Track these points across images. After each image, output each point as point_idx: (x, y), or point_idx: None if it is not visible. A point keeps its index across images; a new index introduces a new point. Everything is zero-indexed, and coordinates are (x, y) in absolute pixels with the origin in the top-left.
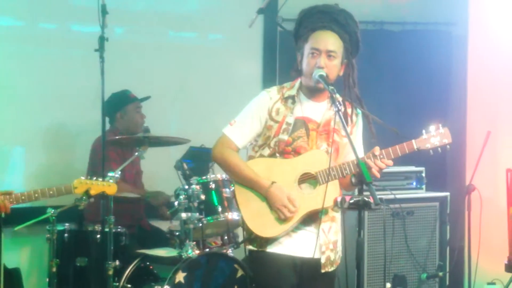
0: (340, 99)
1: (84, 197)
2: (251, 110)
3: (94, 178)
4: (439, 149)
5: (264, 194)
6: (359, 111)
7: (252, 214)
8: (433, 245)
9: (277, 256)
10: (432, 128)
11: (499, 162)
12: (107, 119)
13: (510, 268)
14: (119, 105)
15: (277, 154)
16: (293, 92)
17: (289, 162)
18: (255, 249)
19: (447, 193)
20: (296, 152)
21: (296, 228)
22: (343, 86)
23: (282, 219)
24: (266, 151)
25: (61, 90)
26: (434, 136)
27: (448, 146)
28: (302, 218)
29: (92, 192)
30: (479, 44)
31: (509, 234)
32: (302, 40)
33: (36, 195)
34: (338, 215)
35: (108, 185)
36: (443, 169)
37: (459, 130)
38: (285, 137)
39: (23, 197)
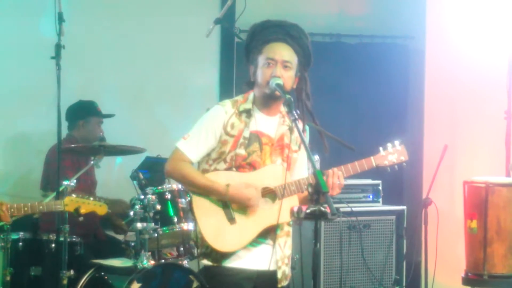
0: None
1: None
2: (206, 125)
3: (86, 197)
4: (396, 166)
5: (224, 199)
6: (307, 126)
7: (211, 228)
8: (390, 258)
9: (236, 271)
10: (389, 145)
11: (456, 176)
12: (63, 127)
13: (467, 281)
14: (84, 114)
15: (234, 168)
16: (248, 105)
17: (248, 176)
18: (211, 264)
19: (404, 207)
20: (252, 166)
21: (255, 242)
22: (296, 99)
23: (242, 228)
24: (222, 165)
25: (18, 97)
26: (391, 154)
27: (404, 164)
28: (260, 232)
29: (82, 211)
30: (436, 58)
31: (465, 247)
32: (256, 52)
33: (26, 208)
34: (292, 229)
35: (99, 205)
36: (400, 182)
37: (416, 144)
38: (242, 151)
39: (12, 209)
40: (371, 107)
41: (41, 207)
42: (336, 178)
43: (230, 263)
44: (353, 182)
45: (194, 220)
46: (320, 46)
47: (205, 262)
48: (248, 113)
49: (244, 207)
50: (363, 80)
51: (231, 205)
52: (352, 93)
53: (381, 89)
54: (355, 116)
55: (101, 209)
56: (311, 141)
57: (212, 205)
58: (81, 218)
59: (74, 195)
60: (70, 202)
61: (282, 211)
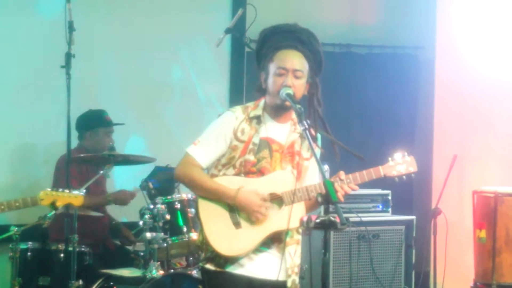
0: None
1: (48, 215)
2: (216, 130)
3: (60, 189)
4: (404, 177)
5: (232, 202)
6: (318, 135)
7: (215, 231)
8: (399, 268)
9: (236, 277)
10: (398, 155)
11: (465, 186)
12: (73, 136)
13: None
14: (91, 124)
15: (242, 174)
16: (258, 112)
17: (255, 181)
18: (213, 268)
19: (413, 217)
20: (261, 173)
21: (257, 251)
22: (308, 105)
23: (248, 233)
24: (231, 171)
25: (28, 107)
26: (400, 164)
27: (413, 175)
28: (266, 238)
29: (58, 203)
30: (446, 68)
31: (475, 256)
32: (267, 60)
33: (2, 207)
34: (301, 238)
35: (74, 196)
36: (409, 192)
37: (426, 154)
38: (251, 157)
39: None
40: (381, 116)
41: (17, 204)
42: (347, 186)
43: (233, 270)
44: (363, 192)
45: (200, 224)
46: (330, 56)
47: (208, 266)
48: (259, 119)
49: (250, 213)
50: (373, 90)
51: (237, 209)
52: (362, 103)
53: (391, 99)
54: (364, 125)
55: (77, 200)
56: (322, 148)
57: (218, 209)
58: (58, 211)
59: (48, 189)
60: (45, 196)
61: (286, 217)
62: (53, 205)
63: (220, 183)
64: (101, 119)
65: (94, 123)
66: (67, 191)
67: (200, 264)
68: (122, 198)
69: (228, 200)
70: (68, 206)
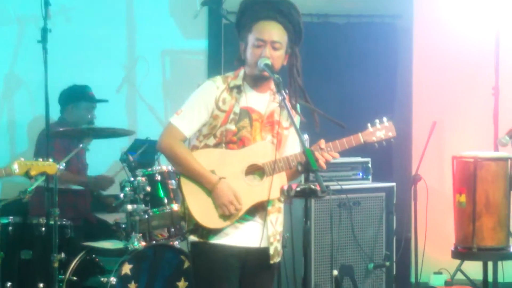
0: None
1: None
2: (198, 99)
3: (34, 158)
4: (384, 142)
5: (210, 189)
6: (298, 104)
7: (198, 204)
8: (380, 235)
9: (222, 247)
10: (377, 121)
11: (445, 152)
12: (56, 110)
13: (457, 255)
14: (74, 98)
15: (223, 144)
16: (238, 81)
17: (236, 153)
18: (197, 239)
19: (393, 184)
20: (241, 141)
21: (242, 219)
22: (288, 75)
23: (226, 215)
24: (212, 141)
25: (5, 83)
26: (379, 130)
27: (392, 140)
28: (249, 209)
29: (33, 172)
30: (424, 36)
31: (455, 220)
32: (246, 30)
33: None
34: (283, 206)
35: (48, 164)
36: (389, 159)
37: (405, 121)
38: (232, 126)
39: None
40: (360, 86)
41: None
42: (327, 154)
43: (217, 240)
44: (343, 160)
45: (182, 196)
46: (308, 26)
47: (192, 238)
48: (239, 89)
49: (219, 204)
50: (352, 60)
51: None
52: (340, 72)
53: (370, 68)
54: (343, 95)
55: (51, 168)
56: (304, 117)
57: (200, 185)
58: (32, 180)
59: (22, 158)
60: (19, 165)
61: (272, 187)
62: (27, 174)
63: (203, 167)
64: (84, 93)
65: (76, 96)
66: (40, 159)
67: (186, 235)
68: (101, 184)
69: (207, 185)
70: (48, 179)
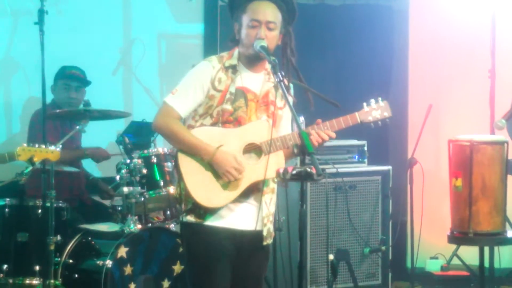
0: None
1: (25, 171)
2: (193, 79)
3: (37, 145)
4: (379, 122)
5: (209, 160)
6: (291, 84)
7: (196, 183)
8: (376, 219)
9: (216, 229)
10: (372, 101)
11: (441, 135)
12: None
13: (453, 239)
14: (55, 78)
15: (220, 124)
16: (233, 61)
17: (233, 131)
18: (193, 220)
19: (389, 167)
20: (238, 122)
21: (237, 201)
22: (281, 55)
23: (228, 185)
24: (208, 121)
25: (2, 65)
26: (375, 109)
27: (387, 120)
28: (246, 188)
29: (36, 159)
30: (420, 18)
31: (451, 205)
32: (240, 10)
33: None
34: (276, 187)
35: (51, 151)
36: (385, 142)
37: (401, 104)
38: (228, 106)
39: None
40: (356, 68)
41: None
42: (323, 133)
43: (213, 222)
44: (339, 143)
45: (179, 175)
46: (303, 8)
47: (189, 218)
48: (234, 69)
49: (223, 172)
50: (347, 42)
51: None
52: (336, 54)
53: (365, 50)
54: (339, 77)
55: (54, 155)
56: (296, 98)
57: (198, 161)
58: (35, 166)
59: (25, 144)
60: (22, 152)
61: (269, 166)
62: (30, 161)
63: (199, 138)
64: (62, 72)
65: (55, 76)
66: (43, 146)
67: (181, 217)
68: (98, 155)
69: (206, 156)
70: (44, 161)
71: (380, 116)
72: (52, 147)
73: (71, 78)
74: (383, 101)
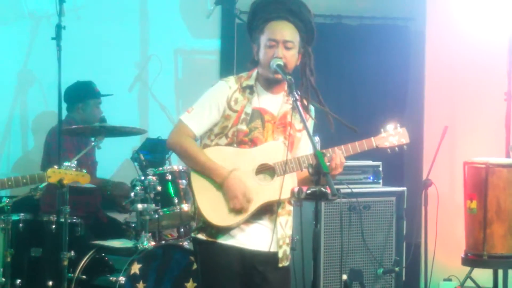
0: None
1: (40, 186)
2: (210, 99)
3: (68, 167)
4: (396, 148)
5: (220, 183)
6: (311, 107)
7: (207, 202)
8: (390, 240)
9: (227, 248)
10: (390, 127)
11: (456, 157)
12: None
13: (467, 262)
14: (82, 96)
15: (235, 144)
16: (251, 82)
17: (247, 152)
18: (204, 238)
19: (404, 188)
20: (253, 143)
21: (248, 222)
22: (300, 75)
23: (236, 210)
24: (223, 141)
25: (17, 78)
26: (392, 135)
27: (405, 146)
28: (258, 209)
29: (66, 181)
30: (436, 39)
31: (465, 227)
32: (258, 32)
33: (10, 183)
34: (293, 209)
35: (81, 175)
36: (400, 163)
37: (417, 125)
38: (243, 127)
39: None
40: (372, 88)
41: (24, 180)
42: (339, 158)
43: (224, 241)
44: (354, 163)
45: (192, 194)
46: (321, 27)
47: (200, 236)
48: (251, 89)
49: (231, 197)
50: (364, 62)
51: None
52: (353, 74)
53: (382, 70)
54: (355, 97)
55: (84, 179)
56: (316, 118)
57: (210, 180)
58: (64, 189)
59: (56, 167)
60: (52, 174)
61: (279, 188)
62: (60, 183)
63: (212, 160)
64: (91, 90)
65: (84, 94)
66: (74, 169)
67: (192, 234)
68: (120, 191)
69: (218, 179)
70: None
71: (397, 142)
72: (84, 171)
73: (100, 96)
74: (402, 127)
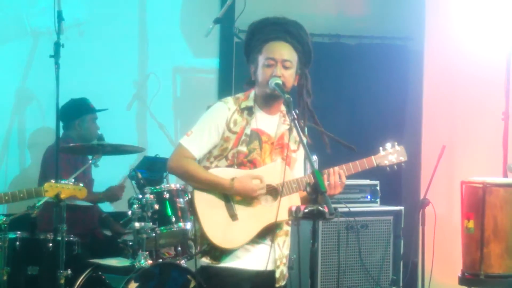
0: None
1: (37, 204)
2: (209, 121)
3: (65, 181)
4: (395, 166)
5: (230, 191)
6: (305, 127)
7: (212, 224)
8: (387, 259)
9: (234, 271)
10: (388, 145)
11: (454, 176)
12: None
13: (464, 281)
14: (78, 113)
15: (235, 166)
16: (250, 103)
17: (249, 173)
18: (210, 262)
19: (402, 207)
20: (252, 164)
21: (253, 242)
22: (297, 96)
23: (244, 225)
24: (223, 163)
25: (15, 96)
26: (391, 154)
27: (403, 164)
28: (262, 230)
29: (63, 196)
30: (435, 59)
31: (462, 246)
32: (256, 52)
33: (7, 197)
34: (290, 229)
35: (78, 189)
36: (398, 183)
37: (414, 144)
38: (243, 148)
39: None
40: (370, 107)
41: (21, 194)
42: (338, 176)
43: (229, 263)
44: (351, 182)
45: (195, 216)
46: (319, 46)
47: (204, 260)
48: (250, 110)
49: (248, 199)
50: (362, 81)
51: (233, 200)
52: (351, 93)
53: (380, 90)
54: (353, 116)
55: (81, 193)
56: (312, 139)
57: (214, 200)
58: (62, 203)
59: (53, 181)
60: (50, 188)
61: (281, 209)
62: (57, 197)
63: (214, 174)
64: (86, 106)
65: (80, 111)
66: (71, 183)
67: (197, 257)
68: (111, 195)
69: (225, 190)
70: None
71: (396, 160)
72: (80, 185)
73: (96, 111)
74: (400, 146)
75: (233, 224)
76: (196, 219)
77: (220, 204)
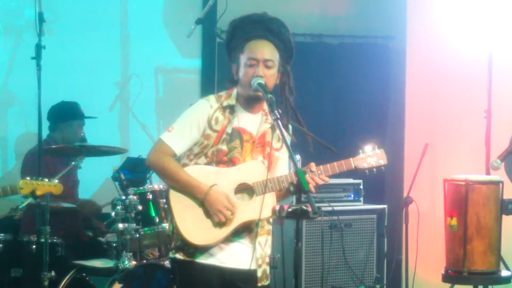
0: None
1: (20, 206)
2: (190, 117)
3: (40, 178)
4: (374, 169)
5: (202, 199)
6: (290, 126)
7: (186, 220)
8: (371, 257)
9: (206, 267)
10: (368, 148)
11: (436, 174)
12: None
13: (447, 278)
14: (66, 117)
15: (214, 164)
16: (232, 101)
17: (226, 171)
18: (182, 258)
19: (385, 206)
20: (232, 162)
21: (228, 240)
22: (279, 94)
23: (219, 224)
24: (203, 160)
25: None
26: (370, 157)
27: (383, 168)
28: (237, 228)
29: (38, 192)
30: (417, 57)
31: (446, 244)
32: (237, 51)
33: None
34: (272, 228)
35: (54, 185)
36: (381, 181)
37: (397, 143)
38: (224, 147)
39: None
40: (353, 106)
41: None
42: (318, 177)
43: (203, 260)
44: (335, 181)
45: (170, 213)
46: (302, 46)
47: (178, 256)
48: (232, 109)
49: (214, 212)
50: (345, 80)
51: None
52: (333, 93)
53: (363, 89)
54: (336, 115)
55: (57, 189)
56: (294, 137)
57: (189, 198)
58: (38, 200)
59: (28, 178)
60: (25, 185)
61: (257, 208)
62: (33, 194)
63: (193, 176)
64: (76, 111)
65: (68, 115)
66: (46, 180)
67: (170, 254)
68: (88, 209)
69: (199, 195)
70: (44, 196)
71: (376, 164)
72: (55, 181)
73: (84, 117)
74: (380, 148)
75: (207, 221)
76: (171, 216)
77: (195, 201)
